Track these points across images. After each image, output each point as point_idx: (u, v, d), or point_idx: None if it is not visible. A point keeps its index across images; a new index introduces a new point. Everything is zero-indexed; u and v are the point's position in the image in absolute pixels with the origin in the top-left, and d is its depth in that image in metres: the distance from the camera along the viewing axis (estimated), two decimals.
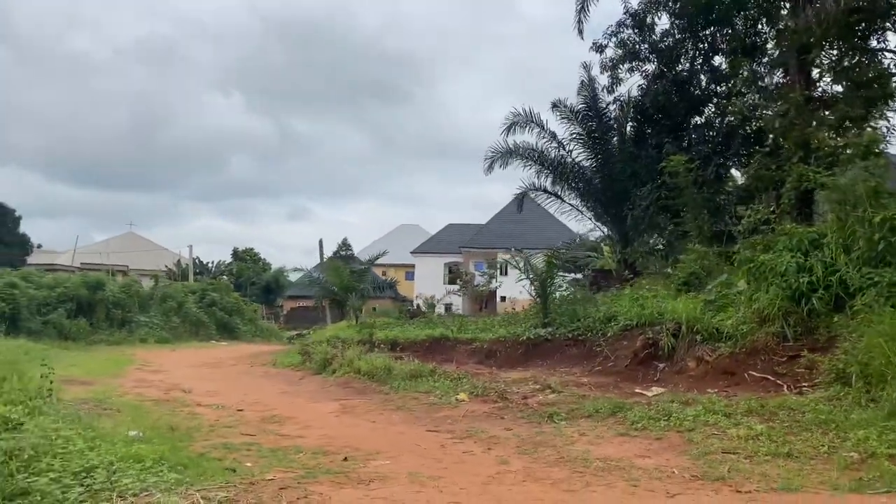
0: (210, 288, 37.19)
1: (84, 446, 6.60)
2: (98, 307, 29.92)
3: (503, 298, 47.32)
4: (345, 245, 57.54)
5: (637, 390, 10.23)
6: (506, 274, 43.83)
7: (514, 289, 33.98)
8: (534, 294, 14.44)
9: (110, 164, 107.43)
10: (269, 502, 5.06)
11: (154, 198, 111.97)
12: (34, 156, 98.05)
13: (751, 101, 20.40)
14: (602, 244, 51.02)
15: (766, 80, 22.32)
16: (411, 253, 67.43)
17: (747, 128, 20.68)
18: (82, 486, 5.69)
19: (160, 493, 5.49)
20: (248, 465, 6.60)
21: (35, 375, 9.40)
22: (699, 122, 24.21)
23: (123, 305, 31.55)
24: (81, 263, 56.51)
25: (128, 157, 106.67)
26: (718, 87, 23.52)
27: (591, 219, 26.67)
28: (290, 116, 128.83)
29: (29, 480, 5.64)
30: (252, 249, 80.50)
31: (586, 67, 23.32)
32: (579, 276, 55.63)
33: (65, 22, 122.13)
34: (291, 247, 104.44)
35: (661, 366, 11.00)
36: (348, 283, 26.28)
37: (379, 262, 34.91)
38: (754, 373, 9.75)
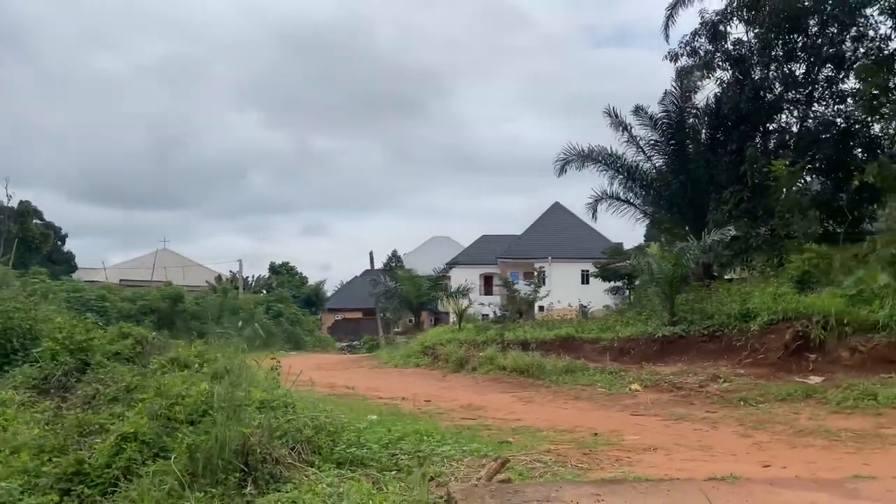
0: (274, 300, 37.98)
1: (365, 425, 7.21)
2: (178, 319, 30.77)
3: (541, 308, 47.81)
4: (395, 257, 58.24)
5: (797, 379, 10.74)
6: (543, 284, 44.39)
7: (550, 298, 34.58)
8: (661, 295, 14.92)
9: (131, 182, 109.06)
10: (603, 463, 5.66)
11: (173, 216, 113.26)
12: (58, 176, 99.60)
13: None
14: (646, 249, 51.24)
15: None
16: (447, 264, 67.92)
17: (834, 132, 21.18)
18: (395, 454, 6.30)
19: (476, 458, 6.11)
20: (510, 440, 7.19)
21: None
22: (773, 128, 24.67)
23: (200, 317, 32.39)
24: (121, 280, 57.62)
25: (148, 176, 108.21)
26: (793, 94, 23.97)
27: (664, 225, 27.24)
28: (307, 132, 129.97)
29: (351, 451, 6.23)
30: (288, 263, 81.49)
31: (679, 75, 23.83)
32: (618, 283, 55.81)
33: (87, 42, 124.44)
34: (304, 264, 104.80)
35: (813, 357, 11.51)
36: (426, 292, 26.95)
37: (416, 274, 35.45)
38: None
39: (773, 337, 12.14)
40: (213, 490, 5.43)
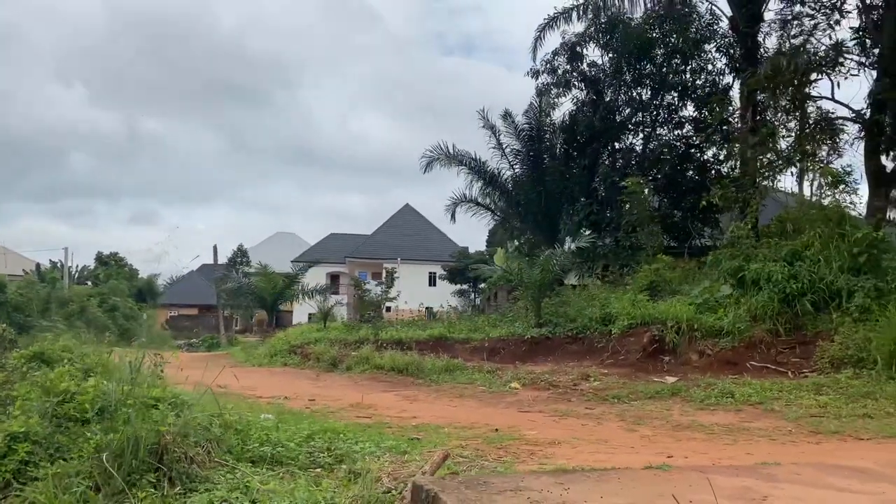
0: (108, 293, 35.40)
1: (270, 423, 7.06)
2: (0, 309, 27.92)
3: (388, 308, 48.30)
4: (241, 252, 56.07)
5: (655, 379, 11.74)
6: (394, 284, 44.80)
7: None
8: (528, 298, 15.66)
9: None
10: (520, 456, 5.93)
11: None
12: None
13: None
14: (493, 255, 52.96)
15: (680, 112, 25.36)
16: (292, 262, 66.64)
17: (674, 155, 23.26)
18: (311, 451, 6.26)
19: (396, 455, 6.19)
20: (417, 437, 7.32)
21: None
22: (619, 147, 26.63)
23: (23, 309, 29.55)
24: None
25: None
26: (640, 116, 26.01)
27: (519, 233, 28.63)
28: (137, 113, 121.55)
29: (264, 449, 6.12)
30: (117, 254, 75.99)
31: (539, 92, 25.03)
32: (464, 286, 57.30)
33: None
34: (135, 253, 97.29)
35: (667, 359, 12.64)
36: (281, 290, 26.35)
37: (271, 271, 34.58)
38: (755, 363, 11.59)
39: (633, 340, 13.19)
40: (130, 491, 5.14)
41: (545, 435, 7.46)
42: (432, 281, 61.28)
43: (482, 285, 48.45)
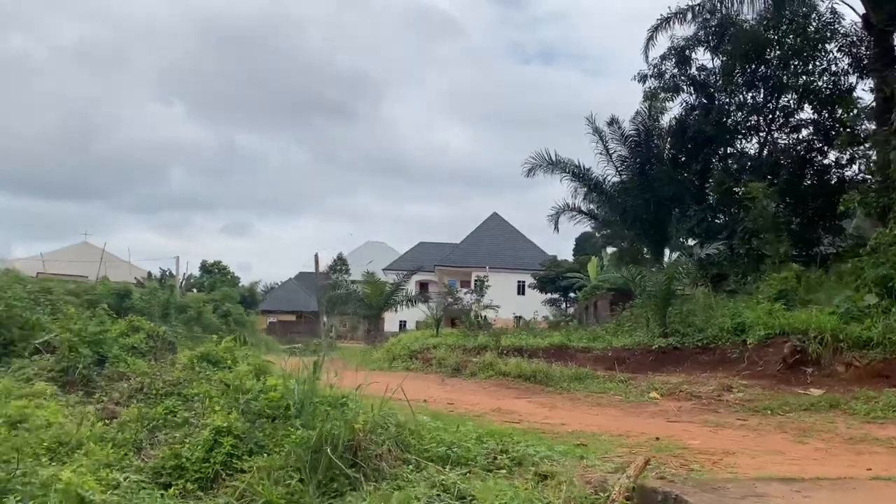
0: (223, 299, 37.00)
1: (435, 424, 7.16)
2: (126, 315, 29.56)
3: (476, 316, 48.27)
4: (341, 260, 57.50)
5: (798, 391, 11.27)
6: (485, 292, 44.65)
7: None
8: (653, 307, 15.33)
9: (39, 170, 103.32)
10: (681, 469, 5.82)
11: (87, 207, 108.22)
12: None
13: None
14: (585, 264, 52.29)
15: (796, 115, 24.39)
16: (383, 270, 67.81)
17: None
18: (486, 453, 6.27)
19: (574, 459, 6.18)
20: (580, 443, 7.28)
21: None
22: (731, 152, 25.80)
23: (146, 314, 31.17)
24: (38, 274, 54.55)
25: (63, 165, 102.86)
26: (753, 120, 25.16)
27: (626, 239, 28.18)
28: (231, 128, 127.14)
29: (441, 449, 6.18)
30: (220, 262, 79.31)
31: (646, 96, 24.65)
32: (555, 295, 56.49)
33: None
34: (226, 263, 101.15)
35: (811, 370, 12.10)
36: (387, 297, 26.83)
37: (352, 279, 35.36)
38: None
39: (771, 350, 12.71)
40: (331, 485, 5.35)
41: (710, 445, 7.27)
42: (521, 289, 61.02)
43: (574, 294, 47.95)
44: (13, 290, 11.05)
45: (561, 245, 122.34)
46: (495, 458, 6.12)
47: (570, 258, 57.58)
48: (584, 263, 49.51)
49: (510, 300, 53.23)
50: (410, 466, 5.80)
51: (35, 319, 10.95)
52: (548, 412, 10.07)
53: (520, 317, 47.62)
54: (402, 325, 56.06)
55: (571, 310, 47.39)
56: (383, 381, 13.87)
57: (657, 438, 7.57)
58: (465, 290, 54.88)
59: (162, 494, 5.12)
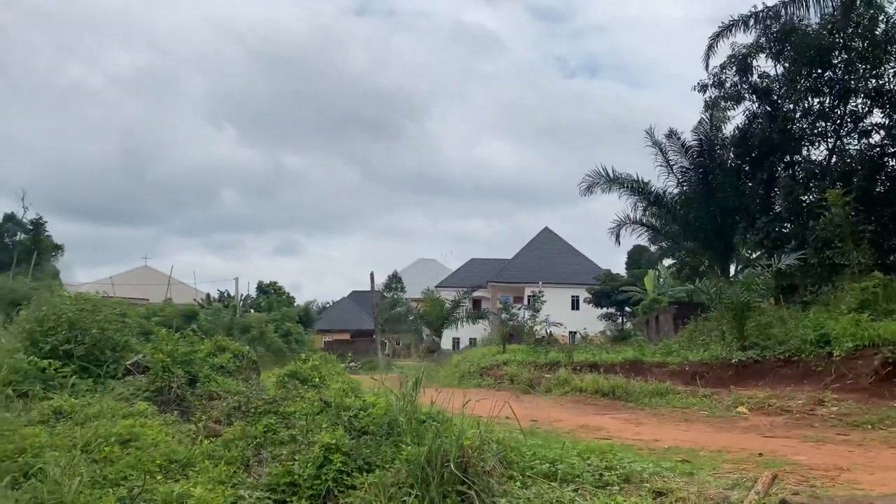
0: (282, 318, 37.62)
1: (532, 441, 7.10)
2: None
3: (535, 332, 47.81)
4: (395, 278, 57.93)
5: (894, 405, 10.84)
6: (540, 308, 44.13)
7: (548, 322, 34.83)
8: (730, 320, 14.95)
9: (97, 196, 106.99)
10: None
11: (142, 232, 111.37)
12: (20, 187, 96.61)
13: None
14: (641, 277, 51.45)
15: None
16: (436, 287, 67.85)
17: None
18: (591, 470, 6.16)
19: (684, 475, 6.05)
20: (683, 459, 7.12)
21: None
22: (798, 159, 25.16)
23: (212, 334, 31.83)
24: (103, 296, 56.12)
25: (116, 190, 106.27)
26: (820, 126, 24.51)
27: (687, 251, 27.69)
28: (279, 150, 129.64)
29: (545, 466, 6.10)
30: (276, 283, 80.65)
31: (707, 106, 24.33)
32: (611, 309, 55.64)
33: (58, 52, 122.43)
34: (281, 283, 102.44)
35: None
36: (447, 314, 26.87)
37: (438, 296, 35.60)
38: None
39: (861, 363, 12.26)
40: (443, 502, 5.34)
41: (818, 461, 7.04)
42: (575, 304, 60.31)
43: (630, 308, 47.15)
44: (104, 313, 11.34)
45: (613, 259, 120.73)
46: (601, 475, 6.04)
47: (623, 272, 56.84)
48: (639, 277, 48.82)
49: (565, 315, 52.64)
50: (517, 483, 5.76)
51: (125, 341, 11.26)
52: (636, 428, 9.89)
53: (574, 332, 47.09)
54: (455, 342, 56.00)
55: (629, 324, 46.70)
56: (458, 398, 13.85)
57: (760, 454, 7.36)
58: (518, 305, 54.69)
59: None
